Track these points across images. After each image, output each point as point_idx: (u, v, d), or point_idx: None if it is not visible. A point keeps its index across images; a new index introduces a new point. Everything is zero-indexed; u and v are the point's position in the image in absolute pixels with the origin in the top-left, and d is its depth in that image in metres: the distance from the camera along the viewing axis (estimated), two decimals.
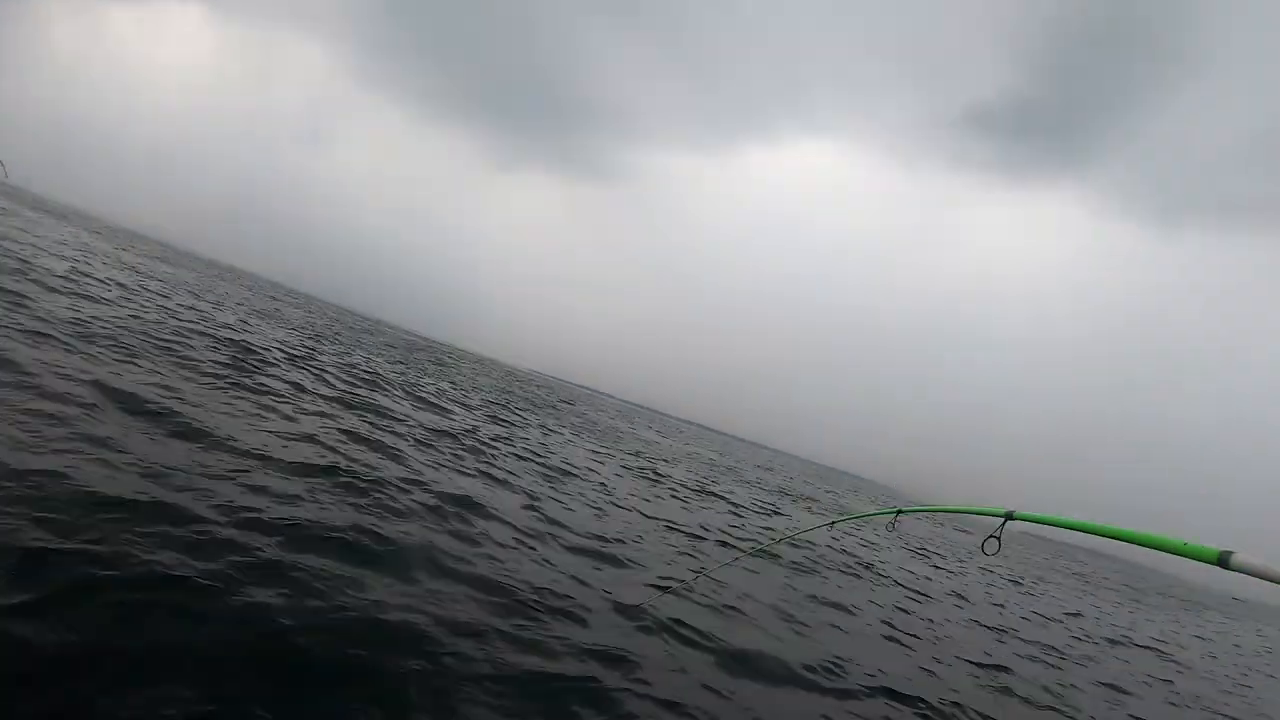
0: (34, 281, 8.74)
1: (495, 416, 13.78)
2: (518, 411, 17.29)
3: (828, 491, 30.01)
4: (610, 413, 41.25)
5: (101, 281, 11.70)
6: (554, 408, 24.20)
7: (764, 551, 7.02)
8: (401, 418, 8.65)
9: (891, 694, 4.25)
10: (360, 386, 10.45)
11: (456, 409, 12.53)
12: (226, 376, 7.15)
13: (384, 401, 9.66)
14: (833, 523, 4.49)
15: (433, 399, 12.58)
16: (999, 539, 2.63)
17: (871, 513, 4.03)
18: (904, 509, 3.31)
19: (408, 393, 12.09)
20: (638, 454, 16.86)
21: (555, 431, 15.27)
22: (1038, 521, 2.49)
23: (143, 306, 10.53)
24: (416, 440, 7.53)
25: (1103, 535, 2.11)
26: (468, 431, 9.72)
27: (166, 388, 5.69)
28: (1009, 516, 2.52)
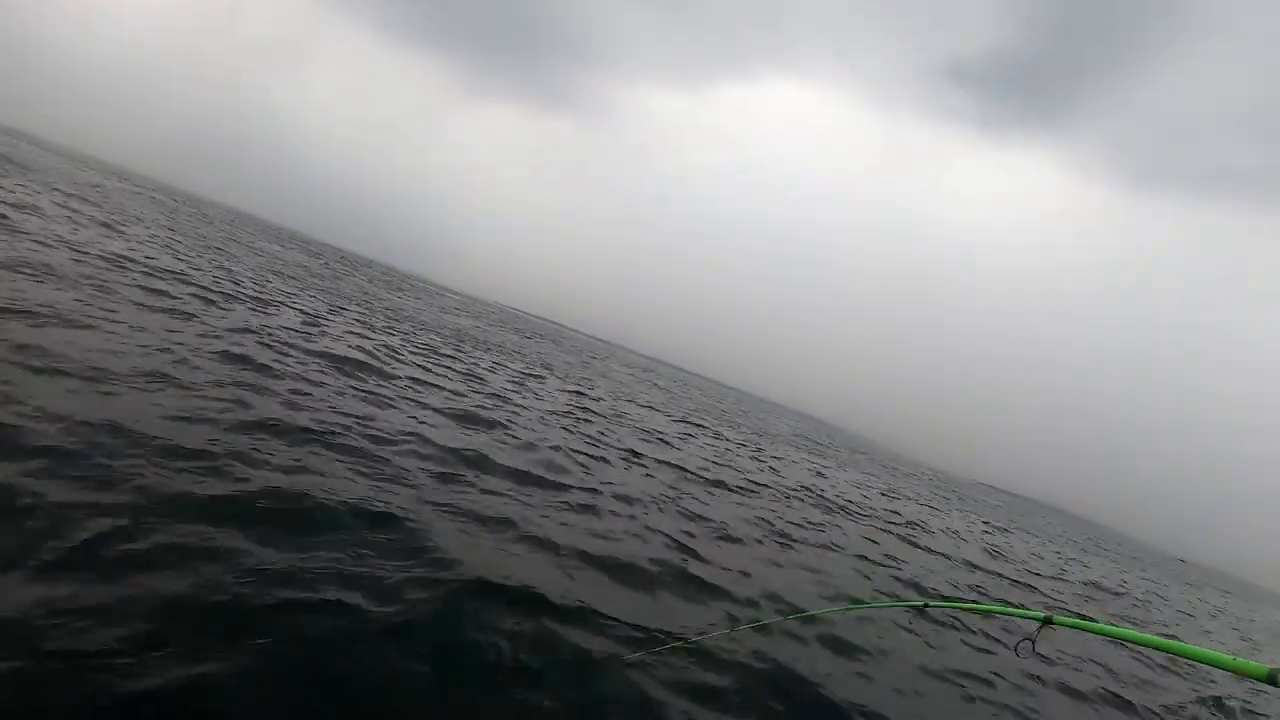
0: None
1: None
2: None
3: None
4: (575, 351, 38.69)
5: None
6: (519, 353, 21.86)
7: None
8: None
9: None
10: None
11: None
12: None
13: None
14: (846, 609, 4.28)
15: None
16: (1034, 642, 2.47)
17: (890, 603, 3.82)
18: (931, 603, 3.12)
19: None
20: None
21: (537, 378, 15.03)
22: (1078, 628, 2.34)
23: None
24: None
25: (1149, 646, 1.99)
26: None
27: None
28: (1047, 621, 2.37)
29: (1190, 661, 1.80)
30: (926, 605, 3.27)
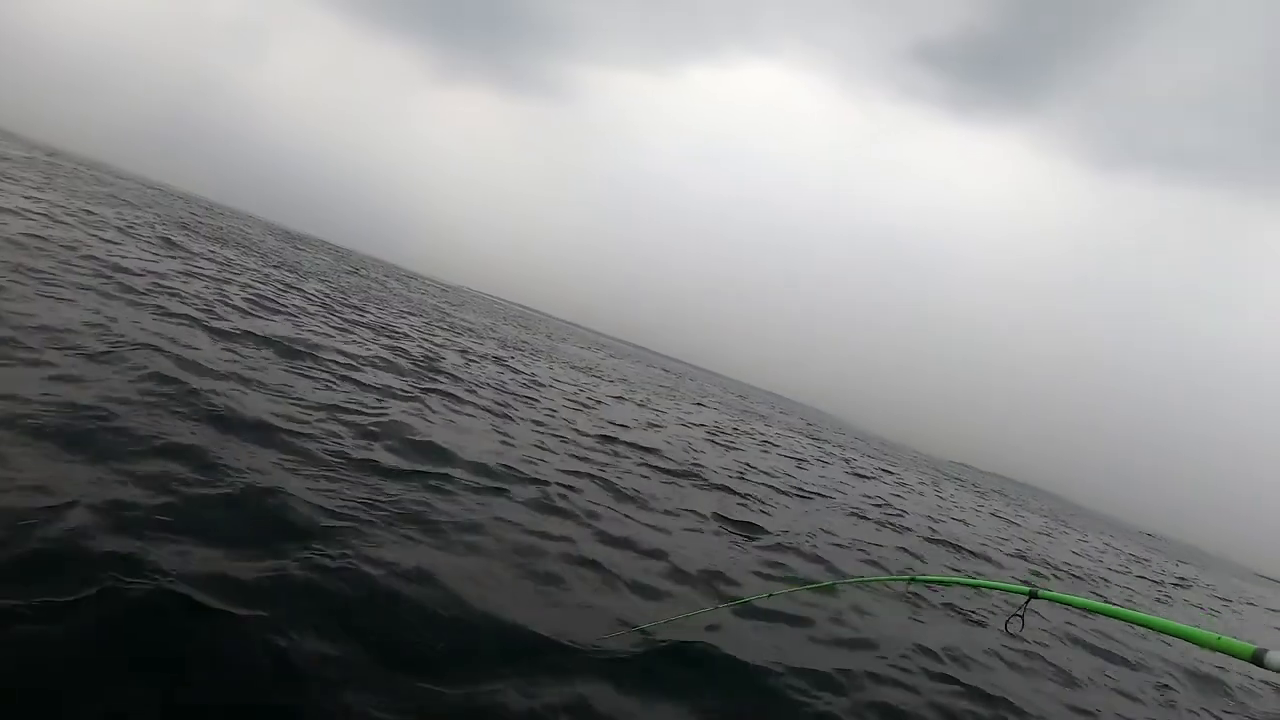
0: None
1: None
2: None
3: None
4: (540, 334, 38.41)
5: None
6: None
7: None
8: None
9: None
10: None
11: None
12: None
13: None
14: (834, 585, 4.31)
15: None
16: (1023, 617, 2.50)
17: (882, 578, 3.85)
18: (917, 577, 3.14)
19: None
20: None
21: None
22: (1063, 602, 2.35)
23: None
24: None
25: (1133, 622, 2.00)
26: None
27: None
28: (1032, 594, 2.38)
29: (1176, 638, 1.80)
30: (913, 579, 3.30)
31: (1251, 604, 20.23)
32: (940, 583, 2.98)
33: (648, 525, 5.12)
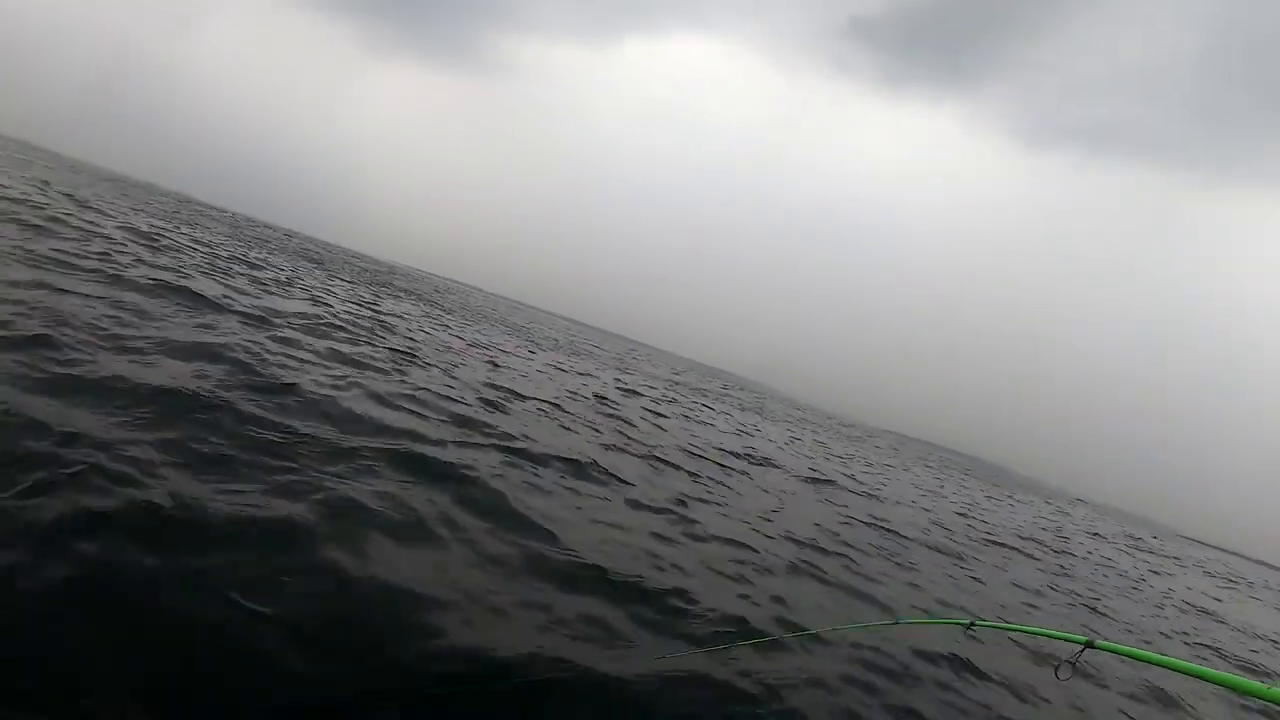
0: None
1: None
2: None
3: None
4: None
5: None
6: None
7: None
8: None
9: None
10: None
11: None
12: None
13: None
14: (896, 622, 4.40)
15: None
16: (1074, 665, 2.55)
17: (940, 620, 3.93)
18: (979, 621, 3.23)
19: None
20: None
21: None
22: (1120, 653, 2.42)
23: None
24: None
25: (1189, 674, 2.03)
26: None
27: None
28: (1088, 644, 2.45)
29: (1228, 689, 1.86)
30: (973, 624, 3.39)
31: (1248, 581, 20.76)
32: (1000, 628, 3.05)
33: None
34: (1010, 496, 30.28)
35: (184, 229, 20.25)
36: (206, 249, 15.83)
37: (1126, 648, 2.38)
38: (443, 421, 6.55)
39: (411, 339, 12.06)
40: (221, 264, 13.66)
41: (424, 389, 7.65)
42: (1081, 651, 2.46)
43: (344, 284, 20.47)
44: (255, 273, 14.43)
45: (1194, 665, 1.99)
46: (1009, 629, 3.13)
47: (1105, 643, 2.44)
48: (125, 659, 2.38)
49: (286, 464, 4.16)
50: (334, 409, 5.66)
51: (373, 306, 15.84)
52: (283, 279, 15.35)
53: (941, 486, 20.89)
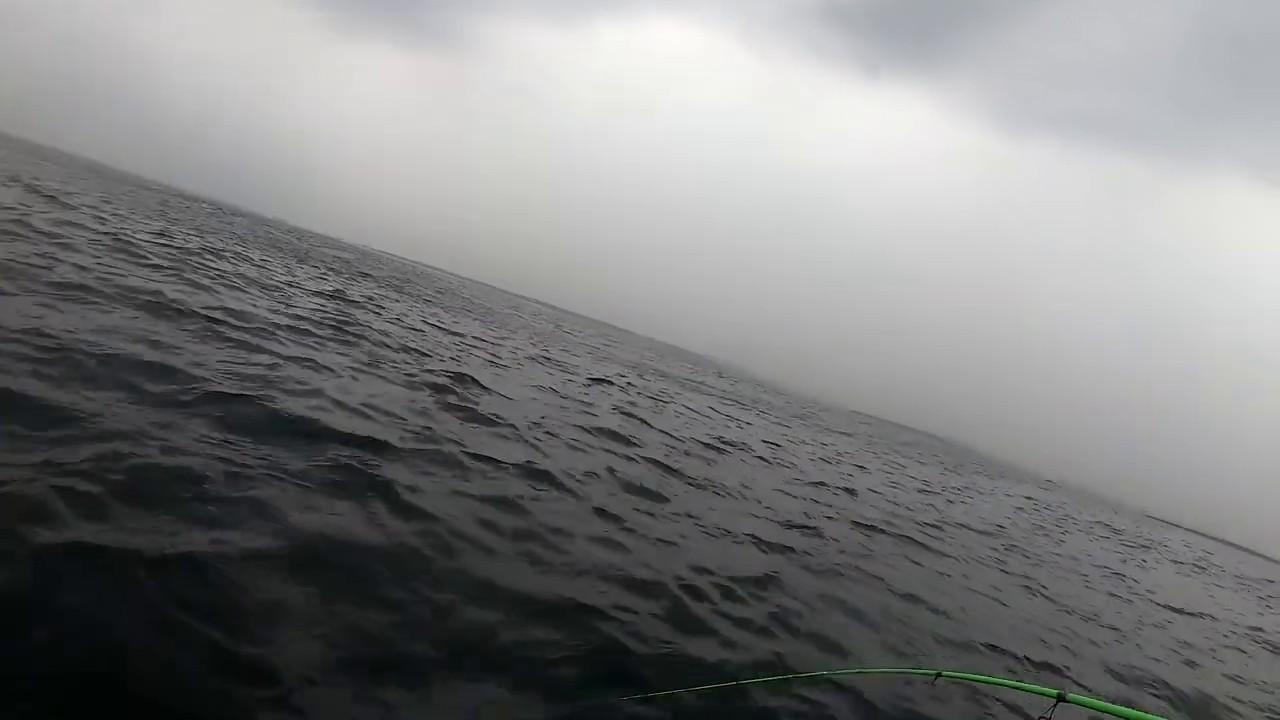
0: None
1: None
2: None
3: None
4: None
5: None
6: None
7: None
8: None
9: None
10: None
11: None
12: None
13: None
14: (860, 671, 4.21)
15: None
16: None
17: (906, 669, 3.77)
18: (945, 672, 3.08)
19: None
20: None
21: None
22: (1094, 707, 2.31)
23: None
24: None
25: None
26: None
27: None
28: (1060, 698, 2.34)
29: None
30: (940, 675, 3.23)
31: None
32: (969, 679, 2.91)
33: None
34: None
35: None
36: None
37: (1101, 703, 2.28)
38: None
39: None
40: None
41: None
42: (1055, 705, 2.34)
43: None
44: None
45: None
46: (978, 680, 2.98)
47: (1077, 697, 2.34)
48: None
49: None
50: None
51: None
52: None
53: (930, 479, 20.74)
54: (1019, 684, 2.78)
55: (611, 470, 7.37)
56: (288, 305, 11.43)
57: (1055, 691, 2.39)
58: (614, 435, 9.42)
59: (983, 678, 3.07)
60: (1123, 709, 2.27)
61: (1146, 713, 2.21)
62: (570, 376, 15.15)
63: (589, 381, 15.04)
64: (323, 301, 13.53)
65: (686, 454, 10.18)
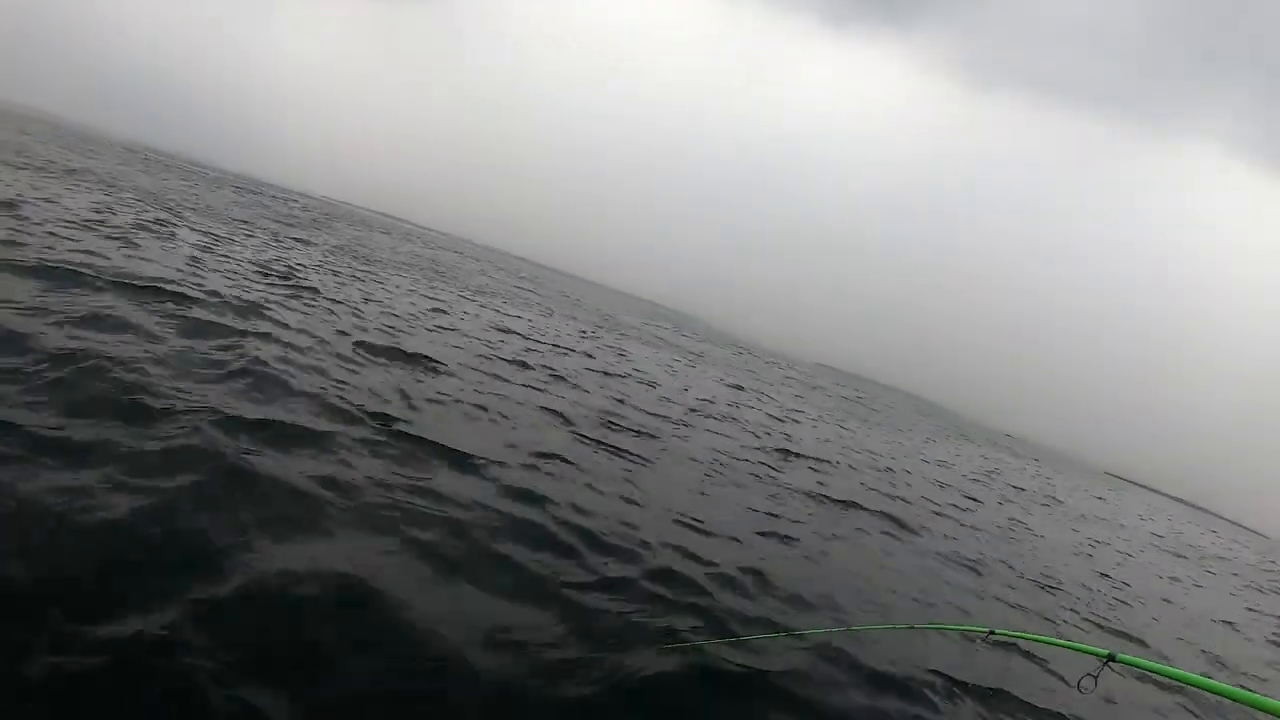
0: None
1: None
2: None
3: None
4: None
5: None
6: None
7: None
8: None
9: None
10: None
11: None
12: None
13: None
14: (911, 626, 4.35)
15: None
16: (1096, 679, 2.49)
17: (961, 626, 3.89)
18: (997, 630, 3.18)
19: None
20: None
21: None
22: (1143, 668, 2.37)
23: None
24: None
25: (1219, 694, 1.98)
26: None
27: None
28: (1110, 658, 2.39)
29: (1258, 709, 1.78)
30: (993, 632, 3.33)
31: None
32: (1020, 637, 3.02)
33: None
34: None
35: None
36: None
37: (1150, 663, 2.33)
38: None
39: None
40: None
41: None
42: (1104, 665, 2.40)
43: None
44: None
45: (1224, 685, 1.93)
46: (1029, 638, 3.08)
47: (1127, 656, 2.39)
48: None
49: None
50: None
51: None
52: None
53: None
54: (1069, 643, 2.86)
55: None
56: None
57: (1105, 651, 2.44)
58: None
59: (1033, 635, 3.15)
60: (1170, 669, 2.32)
61: (1193, 674, 2.27)
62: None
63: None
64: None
65: None
